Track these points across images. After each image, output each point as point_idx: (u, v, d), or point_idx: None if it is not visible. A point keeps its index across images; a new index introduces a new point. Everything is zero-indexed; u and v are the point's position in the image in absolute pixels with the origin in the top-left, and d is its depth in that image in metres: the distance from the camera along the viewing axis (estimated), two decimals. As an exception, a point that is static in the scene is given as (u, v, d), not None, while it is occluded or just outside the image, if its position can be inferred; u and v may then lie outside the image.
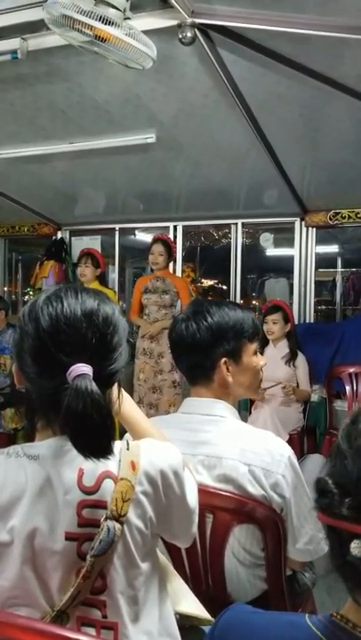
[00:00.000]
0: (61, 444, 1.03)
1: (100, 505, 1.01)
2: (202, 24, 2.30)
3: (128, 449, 1.06)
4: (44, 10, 2.03)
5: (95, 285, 4.72)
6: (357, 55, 2.48)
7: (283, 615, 0.84)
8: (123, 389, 1.22)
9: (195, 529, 1.20)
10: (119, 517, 1.00)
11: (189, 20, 2.26)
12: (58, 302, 1.03)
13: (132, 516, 1.02)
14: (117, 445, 1.06)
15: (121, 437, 1.23)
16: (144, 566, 1.06)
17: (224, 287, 8.39)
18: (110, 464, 1.03)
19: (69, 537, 1.01)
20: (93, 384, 0.97)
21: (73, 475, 1.02)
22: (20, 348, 1.05)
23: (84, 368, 0.98)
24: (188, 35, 2.27)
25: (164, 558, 1.32)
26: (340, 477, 0.74)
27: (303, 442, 4.15)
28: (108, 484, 1.02)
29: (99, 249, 5.60)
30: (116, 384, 1.16)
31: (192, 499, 1.14)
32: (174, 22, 2.27)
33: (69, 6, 1.95)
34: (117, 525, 1.00)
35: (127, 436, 1.32)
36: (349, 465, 0.73)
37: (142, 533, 1.05)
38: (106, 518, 1.00)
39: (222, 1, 2.26)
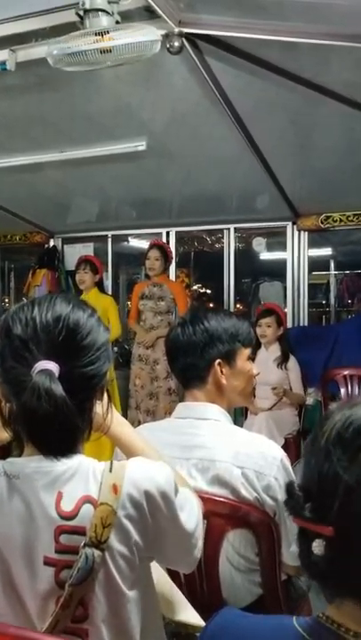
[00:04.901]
0: (42, 464, 1.00)
1: (79, 531, 0.97)
2: (189, 33, 2.32)
3: (111, 471, 1.01)
4: (49, 59, 2.11)
5: (94, 292, 4.73)
6: (343, 62, 2.51)
7: (271, 618, 0.85)
8: (116, 412, 1.20)
9: (196, 554, 1.13)
10: (99, 544, 0.96)
11: (177, 30, 2.28)
12: (30, 307, 1.04)
13: (115, 542, 0.97)
14: (99, 467, 1.02)
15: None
16: (131, 594, 1.01)
17: (208, 291, 8.42)
18: (91, 488, 0.99)
19: (47, 562, 0.97)
20: (54, 380, 0.96)
21: (51, 498, 0.98)
22: None
23: (47, 365, 0.97)
24: (176, 44, 2.30)
25: (163, 572, 1.30)
26: (304, 480, 0.78)
27: (300, 445, 4.15)
28: (87, 510, 0.97)
29: (91, 257, 5.61)
30: (105, 400, 1.13)
31: (189, 521, 1.08)
32: (162, 32, 2.29)
33: (66, 47, 2.00)
34: (97, 552, 0.96)
35: (119, 454, 1.29)
36: (311, 467, 0.77)
37: (127, 559, 0.99)
38: (84, 545, 0.95)
39: (209, 10, 2.28)
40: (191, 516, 1.10)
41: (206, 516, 1.44)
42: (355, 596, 0.73)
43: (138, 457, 1.13)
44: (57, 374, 0.97)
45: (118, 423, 1.22)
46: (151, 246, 4.77)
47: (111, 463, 1.03)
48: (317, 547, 0.73)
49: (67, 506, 0.98)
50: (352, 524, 0.71)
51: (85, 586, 0.96)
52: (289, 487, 0.79)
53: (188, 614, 1.27)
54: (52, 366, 0.97)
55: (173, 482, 1.05)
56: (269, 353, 4.11)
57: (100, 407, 1.12)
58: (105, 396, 1.13)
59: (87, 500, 0.98)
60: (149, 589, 1.10)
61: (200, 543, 1.14)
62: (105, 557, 0.97)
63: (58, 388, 0.95)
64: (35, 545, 0.98)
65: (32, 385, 0.95)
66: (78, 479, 1.00)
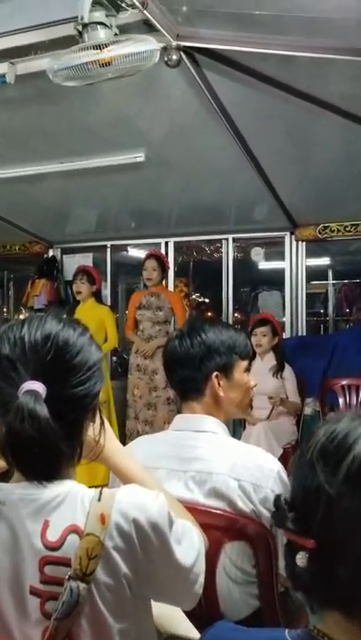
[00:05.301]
0: (28, 491, 0.96)
1: (64, 562, 0.92)
2: (187, 47, 2.35)
3: (100, 500, 0.96)
4: (50, 75, 2.13)
5: (91, 302, 4.76)
6: (341, 74, 2.54)
7: (264, 631, 0.86)
8: (115, 439, 1.16)
9: (197, 590, 1.07)
10: (84, 577, 0.91)
11: (175, 44, 2.31)
12: (19, 326, 1.01)
13: (102, 574, 0.92)
14: (89, 495, 0.98)
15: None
16: (121, 627, 0.95)
17: (207, 300, 8.44)
18: (79, 517, 0.95)
19: (33, 592, 0.94)
20: (39, 401, 0.92)
21: (37, 527, 0.94)
22: None
23: (33, 385, 0.94)
24: (174, 57, 2.33)
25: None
26: (291, 493, 0.80)
27: (298, 455, 4.14)
28: (73, 540, 0.93)
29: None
30: (98, 421, 1.08)
31: (187, 556, 1.03)
32: (160, 45, 2.31)
33: (66, 61, 2.02)
34: (83, 585, 0.91)
35: (116, 480, 1.24)
36: (298, 480, 0.79)
37: (116, 592, 0.94)
38: (69, 578, 0.91)
39: (207, 24, 2.31)
40: (190, 549, 1.05)
41: (203, 529, 1.45)
42: (339, 608, 0.74)
43: (132, 484, 1.06)
44: (43, 395, 0.94)
45: (119, 452, 1.18)
46: (148, 256, 4.80)
47: (101, 491, 0.98)
48: (300, 559, 0.74)
49: (52, 535, 0.93)
50: (333, 538, 0.72)
51: (71, 620, 0.92)
52: (276, 500, 0.81)
53: (184, 628, 1.26)
54: (38, 387, 0.94)
55: (167, 513, 1.00)
56: (264, 362, 4.12)
57: (92, 430, 1.07)
58: (97, 417, 1.08)
59: (73, 529, 0.94)
60: (146, 623, 1.05)
61: (201, 578, 1.08)
62: (91, 590, 0.92)
63: (42, 410, 0.92)
64: (21, 574, 0.94)
65: (16, 406, 0.92)
66: (66, 507, 0.96)
